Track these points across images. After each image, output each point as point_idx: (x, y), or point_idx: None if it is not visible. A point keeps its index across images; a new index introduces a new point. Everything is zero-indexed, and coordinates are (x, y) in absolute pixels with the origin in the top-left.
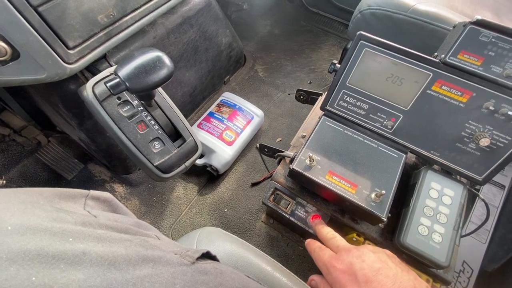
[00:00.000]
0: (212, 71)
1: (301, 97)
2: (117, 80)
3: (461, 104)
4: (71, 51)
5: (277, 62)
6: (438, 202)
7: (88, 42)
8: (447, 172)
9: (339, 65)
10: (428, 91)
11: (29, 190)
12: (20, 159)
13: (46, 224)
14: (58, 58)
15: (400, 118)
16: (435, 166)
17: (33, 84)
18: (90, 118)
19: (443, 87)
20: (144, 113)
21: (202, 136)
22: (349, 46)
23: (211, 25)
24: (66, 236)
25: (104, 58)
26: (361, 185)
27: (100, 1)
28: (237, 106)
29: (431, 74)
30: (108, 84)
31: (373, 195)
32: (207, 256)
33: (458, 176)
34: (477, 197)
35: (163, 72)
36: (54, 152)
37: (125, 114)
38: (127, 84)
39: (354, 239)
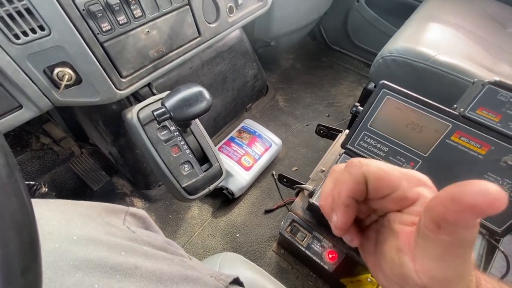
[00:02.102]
0: (236, 99)
1: (321, 131)
2: (164, 110)
3: (479, 156)
4: (123, 80)
5: (297, 94)
6: None
7: (138, 73)
8: None
9: (361, 108)
10: (447, 140)
11: (83, 204)
12: (53, 166)
13: (103, 237)
14: (112, 85)
15: (419, 163)
16: None
17: (86, 105)
18: (124, 136)
19: (462, 138)
20: (179, 138)
21: (221, 159)
22: (369, 86)
23: (240, 58)
24: (120, 250)
25: (147, 86)
26: None
27: (153, 39)
28: (257, 133)
29: (451, 125)
30: (155, 113)
31: None
32: (236, 282)
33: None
34: (497, 249)
35: (203, 105)
36: (85, 163)
37: (162, 138)
38: (172, 114)
39: (369, 279)
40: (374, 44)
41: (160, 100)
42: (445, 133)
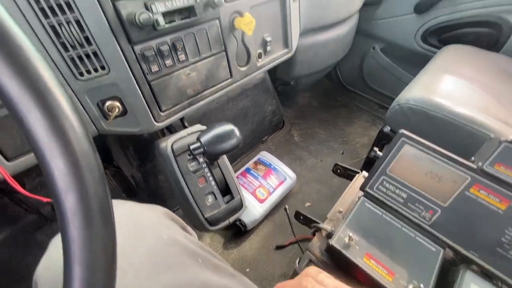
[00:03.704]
0: (254, 132)
1: (338, 171)
2: (198, 144)
3: (499, 211)
4: (162, 113)
5: (312, 129)
6: None
7: (175, 108)
8: (487, 275)
9: (380, 153)
10: (466, 192)
11: (151, 206)
12: None
13: (182, 240)
14: (152, 118)
15: (438, 213)
16: (474, 267)
17: (126, 134)
18: (150, 162)
19: (481, 191)
20: (206, 169)
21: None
22: (385, 129)
23: (261, 96)
24: (197, 256)
25: (180, 119)
26: (398, 274)
27: (192, 80)
28: (272, 166)
29: (469, 178)
30: (191, 147)
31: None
32: None
33: (499, 283)
34: None
35: (233, 142)
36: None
37: (191, 169)
38: (205, 149)
39: None
40: (388, 88)
41: (191, 134)
42: (464, 185)
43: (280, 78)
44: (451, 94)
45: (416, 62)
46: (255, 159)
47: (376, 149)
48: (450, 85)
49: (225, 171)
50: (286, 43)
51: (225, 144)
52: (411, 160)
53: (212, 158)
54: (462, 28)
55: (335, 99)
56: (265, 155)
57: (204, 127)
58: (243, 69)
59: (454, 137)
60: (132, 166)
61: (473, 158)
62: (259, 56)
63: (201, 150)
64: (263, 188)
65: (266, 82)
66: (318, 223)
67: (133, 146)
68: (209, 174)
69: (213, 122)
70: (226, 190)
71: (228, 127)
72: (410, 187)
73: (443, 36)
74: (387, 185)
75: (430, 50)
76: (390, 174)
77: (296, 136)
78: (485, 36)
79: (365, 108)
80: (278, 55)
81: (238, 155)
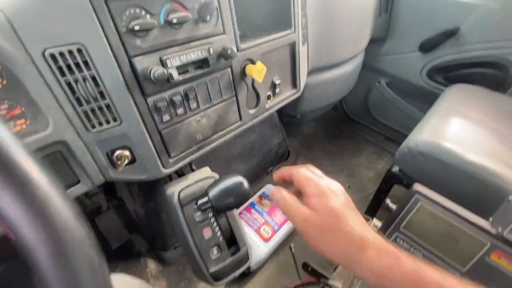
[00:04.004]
0: (260, 164)
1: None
2: (207, 199)
3: None
4: (170, 160)
5: (318, 160)
6: None
7: (184, 153)
8: None
9: (393, 205)
10: (486, 258)
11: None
12: None
13: None
14: (160, 165)
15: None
16: None
17: (133, 181)
18: (154, 201)
19: (502, 259)
20: (212, 219)
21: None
22: (394, 169)
23: (268, 130)
24: None
25: (188, 164)
26: None
27: (202, 125)
28: None
29: (489, 244)
30: (199, 202)
31: None
32: None
33: None
34: None
35: (242, 196)
36: (109, 220)
37: (197, 219)
38: (213, 203)
39: None
40: (394, 121)
41: (199, 181)
42: (484, 250)
43: (286, 112)
44: (462, 140)
45: (422, 97)
46: (260, 192)
47: (388, 201)
48: (459, 129)
49: (231, 221)
50: (294, 84)
51: (233, 198)
52: (427, 219)
53: (220, 211)
54: (468, 68)
55: (340, 129)
56: (270, 189)
57: (213, 176)
58: (252, 111)
59: (466, 185)
60: (136, 201)
61: (491, 220)
62: (268, 97)
63: (209, 204)
64: (268, 225)
65: (273, 117)
66: (327, 278)
67: (138, 185)
68: (215, 224)
69: (223, 175)
70: (232, 240)
71: (237, 179)
72: (426, 248)
73: (449, 74)
74: (401, 242)
75: (436, 87)
76: (404, 231)
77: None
78: (491, 76)
79: (371, 139)
80: (286, 96)
81: None
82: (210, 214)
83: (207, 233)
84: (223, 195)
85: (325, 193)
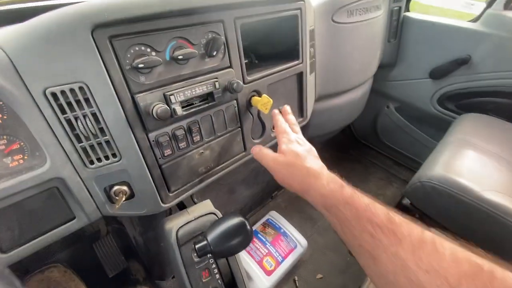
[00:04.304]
0: (264, 189)
1: None
2: (205, 243)
3: None
4: (170, 194)
5: None
6: None
7: (185, 187)
8: None
9: None
10: None
11: None
12: (76, 241)
13: None
14: (159, 200)
15: None
16: None
17: (130, 216)
18: (153, 230)
19: None
20: (211, 261)
21: (242, 257)
22: (404, 201)
23: None
24: None
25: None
26: None
27: (205, 158)
28: (282, 230)
29: None
30: (196, 246)
31: None
32: None
33: None
34: None
35: (243, 240)
36: (107, 246)
37: (195, 260)
38: (212, 249)
39: None
40: (403, 146)
41: (199, 218)
42: None
43: None
44: (477, 175)
45: (432, 124)
46: (263, 220)
47: None
48: (474, 163)
49: (231, 263)
50: (301, 113)
51: (233, 243)
52: None
53: (219, 257)
54: (480, 96)
55: (347, 152)
56: (274, 216)
57: (214, 212)
58: (257, 141)
59: (483, 224)
60: (135, 229)
61: None
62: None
63: (208, 249)
64: (271, 257)
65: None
66: None
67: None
68: (214, 265)
69: (222, 217)
70: (232, 283)
71: (236, 220)
72: None
73: (461, 102)
74: None
75: (447, 114)
76: None
77: None
78: (505, 106)
79: (379, 163)
80: None
81: (245, 213)
82: (210, 255)
83: (205, 275)
84: (222, 240)
85: (293, 142)
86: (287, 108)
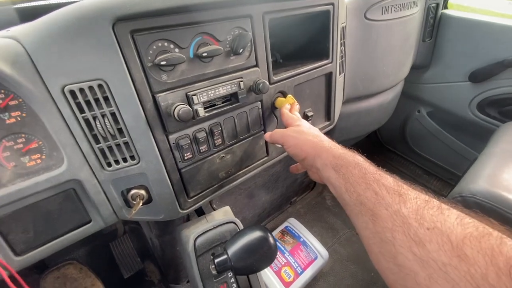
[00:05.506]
0: (284, 195)
1: None
2: (225, 257)
3: None
4: (189, 200)
5: None
6: None
7: (204, 192)
8: None
9: None
10: None
11: None
12: (94, 239)
13: None
14: (177, 206)
15: None
16: None
17: (147, 221)
18: (170, 234)
19: None
20: (230, 274)
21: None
22: None
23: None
24: None
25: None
26: None
27: (226, 162)
28: (301, 239)
29: None
30: (216, 261)
31: None
32: None
33: None
34: None
35: (267, 256)
36: (124, 246)
37: (213, 272)
38: (232, 264)
39: None
40: (434, 154)
41: (218, 227)
42: None
43: None
44: None
45: (470, 132)
46: (282, 227)
47: None
48: None
49: (251, 278)
50: (328, 116)
51: (256, 259)
52: None
53: (240, 274)
54: None
55: (372, 158)
56: (293, 223)
57: (233, 220)
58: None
59: None
60: (152, 231)
61: None
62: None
63: (228, 265)
64: (290, 267)
65: None
66: None
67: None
68: (232, 280)
69: (243, 229)
70: None
71: (258, 233)
72: None
73: (504, 108)
74: None
75: (489, 121)
76: None
77: (329, 199)
78: None
79: (407, 172)
80: (319, 128)
81: (263, 218)
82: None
83: None
84: (244, 254)
85: (297, 124)
86: (297, 106)
